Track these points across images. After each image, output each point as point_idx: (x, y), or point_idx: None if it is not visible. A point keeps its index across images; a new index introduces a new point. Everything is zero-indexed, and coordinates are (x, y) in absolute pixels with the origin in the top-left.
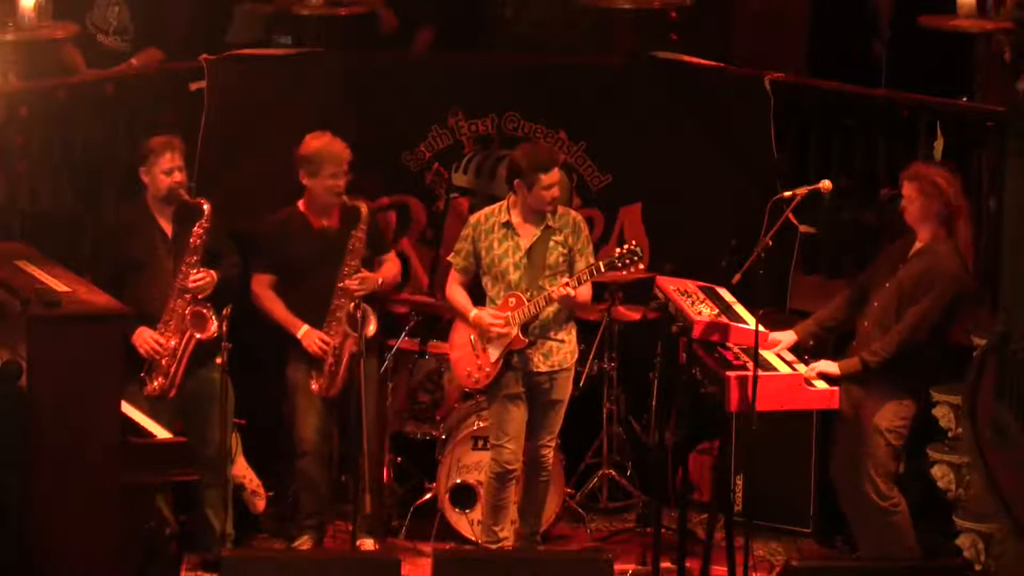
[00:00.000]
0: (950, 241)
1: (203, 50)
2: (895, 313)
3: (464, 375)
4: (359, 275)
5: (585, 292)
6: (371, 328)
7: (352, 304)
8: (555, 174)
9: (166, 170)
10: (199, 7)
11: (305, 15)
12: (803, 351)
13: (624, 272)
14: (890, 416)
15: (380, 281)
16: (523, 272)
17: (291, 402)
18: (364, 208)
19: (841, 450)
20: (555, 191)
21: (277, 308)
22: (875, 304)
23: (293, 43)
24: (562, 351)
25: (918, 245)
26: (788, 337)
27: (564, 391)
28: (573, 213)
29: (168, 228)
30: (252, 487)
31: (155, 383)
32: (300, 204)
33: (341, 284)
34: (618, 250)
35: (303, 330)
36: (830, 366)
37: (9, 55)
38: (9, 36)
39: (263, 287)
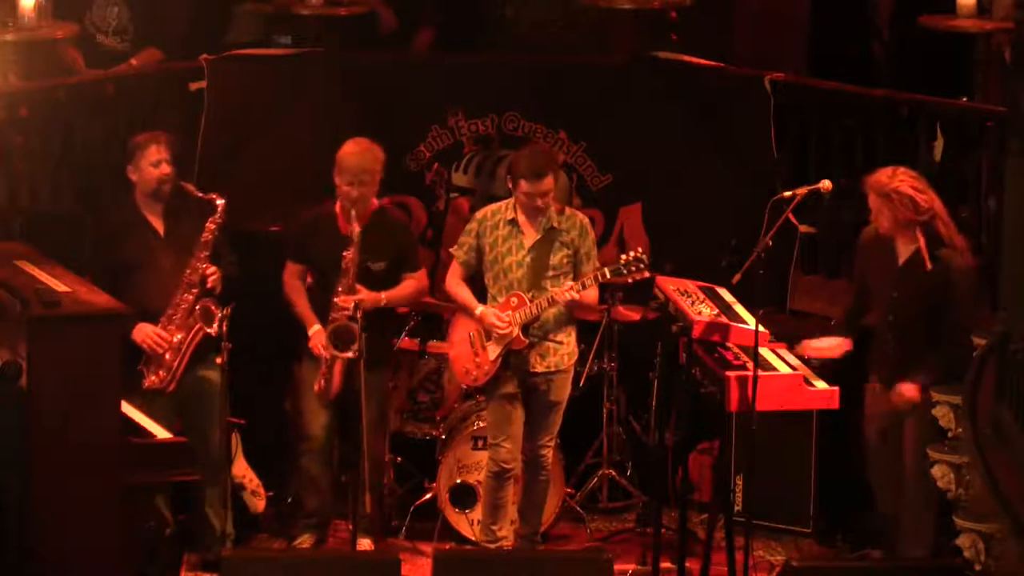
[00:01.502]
0: (939, 243)
1: (203, 50)
2: (913, 324)
3: (462, 372)
4: (356, 296)
5: (591, 294)
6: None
7: (355, 313)
8: (538, 184)
9: (153, 162)
10: (199, 7)
11: (305, 15)
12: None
13: (629, 279)
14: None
15: (384, 299)
16: (526, 271)
17: (300, 398)
18: (356, 228)
19: (882, 451)
20: (538, 201)
21: (299, 300)
22: (890, 319)
23: (293, 43)
24: (559, 352)
25: (905, 250)
26: (831, 344)
27: (561, 392)
28: (579, 215)
29: (159, 226)
30: (252, 487)
31: (155, 376)
32: (336, 205)
33: (336, 299)
34: (623, 257)
35: (314, 329)
36: (911, 390)
37: (9, 55)
38: (9, 36)
39: (292, 276)
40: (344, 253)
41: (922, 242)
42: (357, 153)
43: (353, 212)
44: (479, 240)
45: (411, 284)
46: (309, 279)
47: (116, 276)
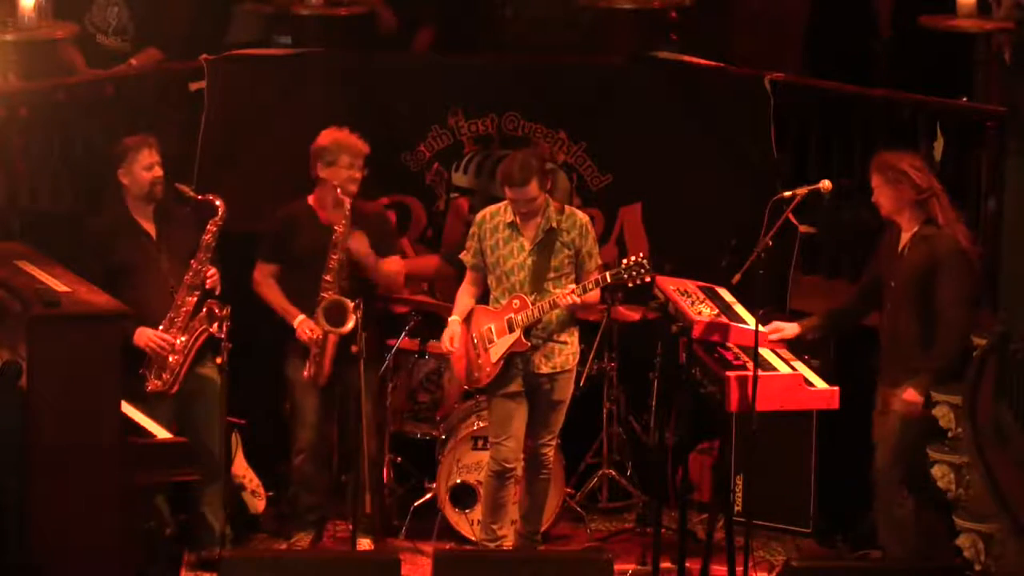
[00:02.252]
0: (933, 225)
1: (203, 50)
2: (905, 313)
3: (464, 374)
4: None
5: (592, 295)
6: (348, 325)
7: (353, 304)
8: (520, 192)
9: (146, 166)
10: (199, 7)
11: (305, 15)
12: (803, 349)
13: (630, 283)
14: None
15: (372, 257)
16: (527, 273)
17: (291, 400)
18: (347, 202)
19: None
20: (523, 208)
21: (275, 296)
22: (888, 306)
23: (293, 43)
24: (564, 353)
25: (905, 236)
26: (791, 328)
27: (565, 392)
28: (580, 214)
29: (151, 229)
30: (252, 487)
31: (159, 379)
32: (309, 199)
33: (326, 276)
34: (624, 261)
35: (299, 319)
36: (914, 395)
37: (9, 55)
38: (9, 36)
39: (264, 276)
40: (335, 228)
41: (918, 224)
42: (348, 135)
43: (336, 197)
44: (480, 243)
45: (394, 263)
46: None
47: (114, 279)
